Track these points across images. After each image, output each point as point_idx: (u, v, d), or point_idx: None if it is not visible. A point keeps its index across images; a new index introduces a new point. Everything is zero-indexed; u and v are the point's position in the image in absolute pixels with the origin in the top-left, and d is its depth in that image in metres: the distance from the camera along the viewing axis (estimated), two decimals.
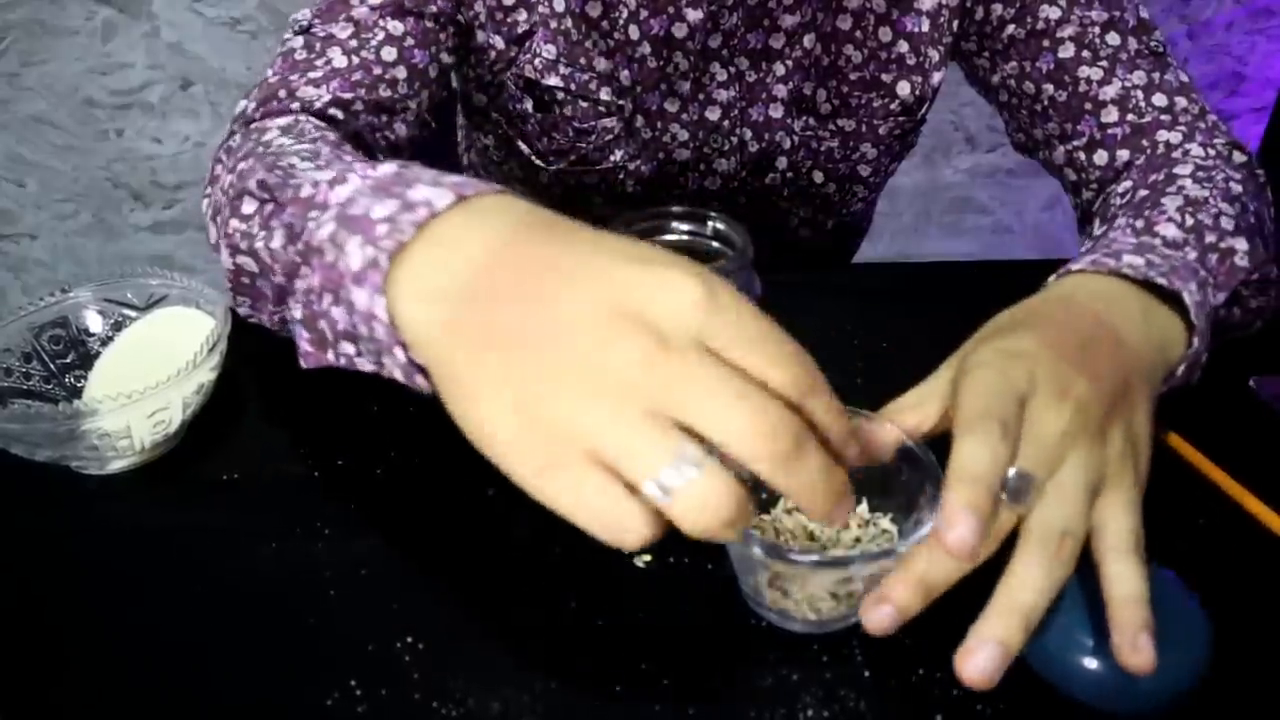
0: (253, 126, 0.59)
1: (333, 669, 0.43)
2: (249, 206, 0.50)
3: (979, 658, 0.37)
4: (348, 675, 0.42)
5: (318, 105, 0.61)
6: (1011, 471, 0.39)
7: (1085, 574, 0.42)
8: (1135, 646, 0.37)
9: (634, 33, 0.69)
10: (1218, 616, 0.41)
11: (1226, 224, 0.56)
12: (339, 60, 0.63)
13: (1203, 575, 0.43)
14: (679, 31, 0.69)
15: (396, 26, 0.64)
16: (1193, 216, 0.56)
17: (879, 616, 0.38)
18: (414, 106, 0.66)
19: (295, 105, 0.61)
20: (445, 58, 0.68)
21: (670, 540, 0.49)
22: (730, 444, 0.31)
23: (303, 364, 0.45)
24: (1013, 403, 0.40)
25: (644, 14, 0.68)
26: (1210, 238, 0.55)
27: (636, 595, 0.46)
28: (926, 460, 0.44)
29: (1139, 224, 0.57)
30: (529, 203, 0.37)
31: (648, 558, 0.48)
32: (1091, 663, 0.39)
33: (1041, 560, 0.38)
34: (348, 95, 0.62)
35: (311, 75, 0.62)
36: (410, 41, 0.65)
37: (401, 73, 0.64)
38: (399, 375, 0.40)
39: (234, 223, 0.51)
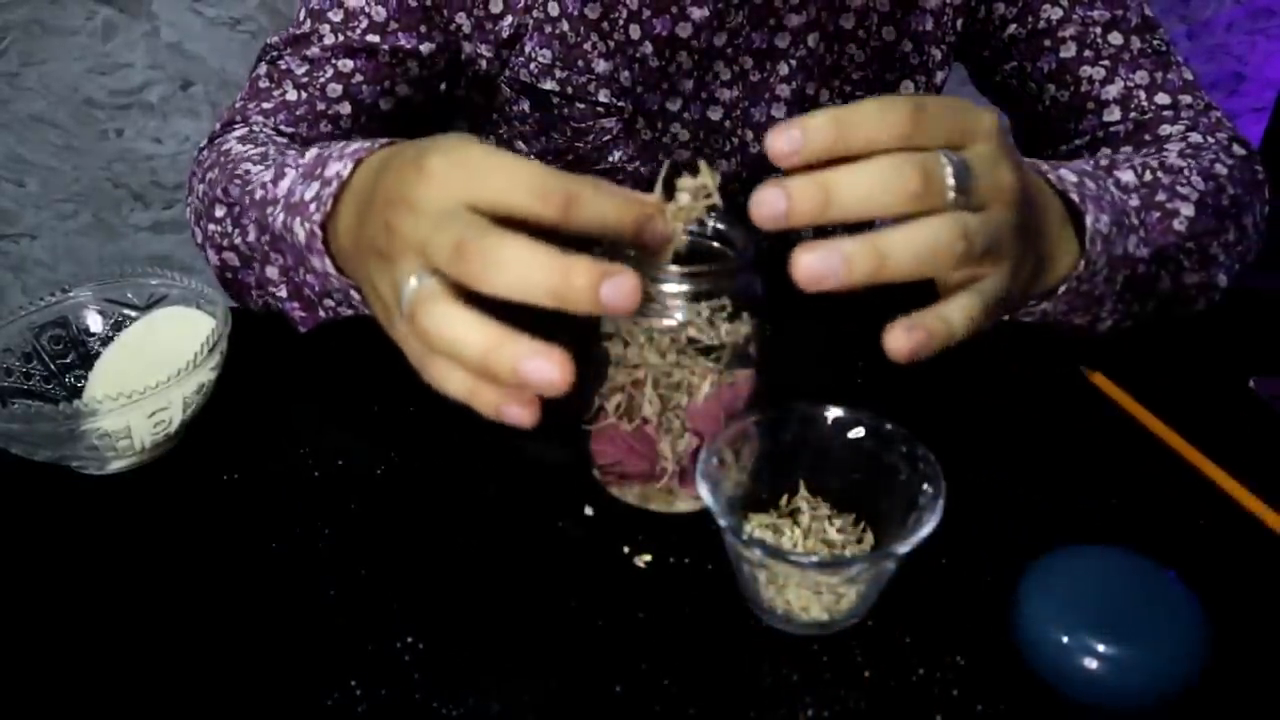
0: (216, 141, 0.68)
1: (333, 669, 0.43)
2: (220, 211, 0.61)
3: (817, 261, 0.36)
4: (348, 675, 0.42)
5: (268, 128, 0.69)
6: (954, 157, 0.37)
7: (1085, 574, 0.42)
8: (908, 332, 0.38)
9: (635, 32, 0.68)
10: (1218, 616, 0.41)
11: (1185, 191, 0.57)
12: (290, 94, 0.70)
13: (1203, 575, 0.43)
14: (683, 31, 0.68)
15: (346, 64, 0.69)
16: (1153, 174, 0.57)
17: (767, 194, 0.37)
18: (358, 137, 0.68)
19: (255, 120, 0.69)
20: (403, 89, 0.71)
21: (670, 540, 0.49)
22: (517, 212, 0.37)
23: (301, 329, 0.57)
24: (967, 116, 0.39)
25: (646, 13, 0.68)
26: (1161, 196, 0.56)
27: (636, 595, 0.46)
28: (926, 460, 0.44)
29: (1103, 162, 0.57)
30: (401, 143, 0.45)
31: (648, 557, 0.48)
32: (1092, 663, 0.39)
33: (937, 230, 0.36)
34: (289, 130, 0.69)
35: (265, 105, 0.70)
36: (359, 79, 0.69)
37: (346, 109, 0.70)
38: (367, 311, 0.49)
39: (211, 226, 0.61)
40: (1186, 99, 0.68)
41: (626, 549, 0.49)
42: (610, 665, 0.43)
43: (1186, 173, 0.59)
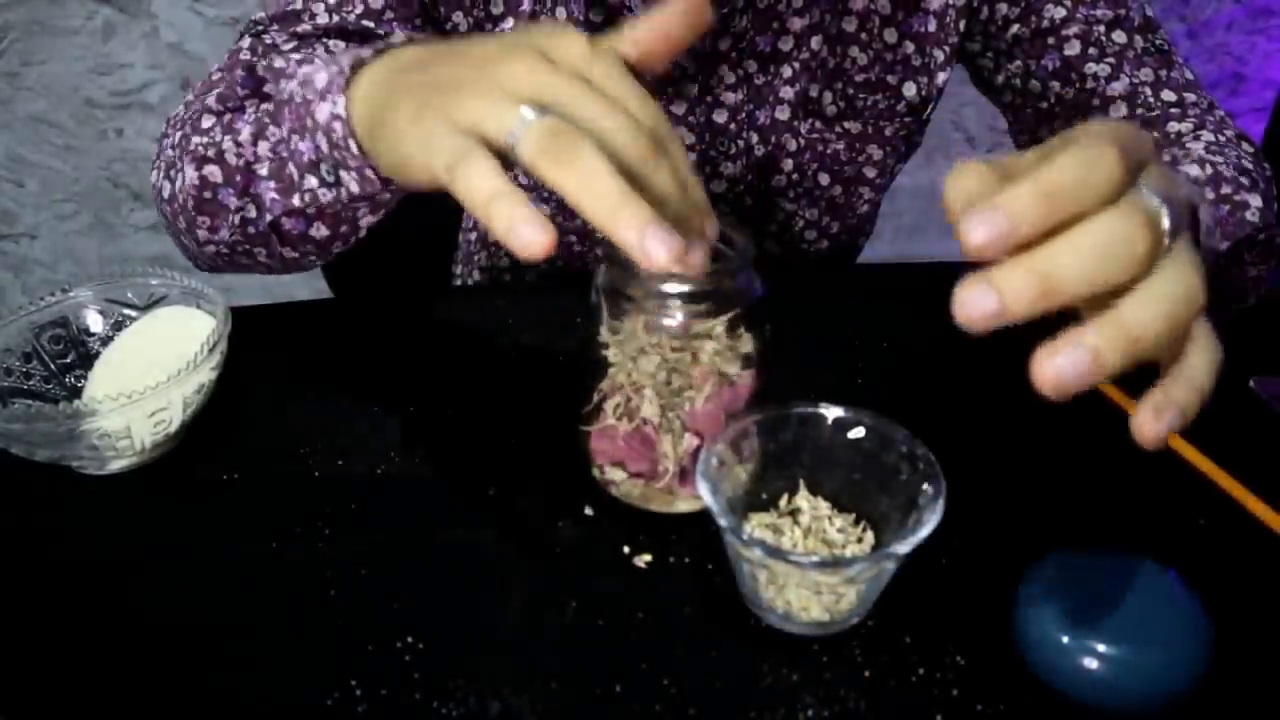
0: (191, 103, 0.63)
1: (333, 669, 0.43)
2: (208, 121, 0.56)
3: (1052, 368, 0.30)
4: (348, 675, 0.42)
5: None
6: (1155, 196, 0.31)
7: (1085, 574, 0.42)
8: (1158, 414, 0.33)
9: None
10: (1218, 616, 0.41)
11: (1243, 180, 0.56)
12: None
13: (1203, 575, 0.43)
14: None
15: (338, 45, 0.65)
16: (1211, 167, 0.56)
17: (985, 219, 0.29)
18: None
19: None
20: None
21: (670, 540, 0.49)
22: (600, 132, 0.35)
23: (269, 214, 0.52)
24: (1140, 143, 0.32)
25: None
26: (1226, 189, 0.55)
27: (636, 595, 0.46)
28: (926, 459, 0.44)
29: (1165, 156, 0.56)
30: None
31: (648, 557, 0.48)
32: (1092, 663, 0.39)
33: (1174, 291, 0.31)
34: None
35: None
36: (390, 16, 0.66)
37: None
38: (354, 183, 0.46)
39: (195, 139, 0.56)
40: (1191, 96, 0.68)
41: (626, 549, 0.49)
42: (610, 665, 0.43)
43: (1225, 166, 0.58)
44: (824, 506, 0.48)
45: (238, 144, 0.53)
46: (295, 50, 0.61)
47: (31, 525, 0.52)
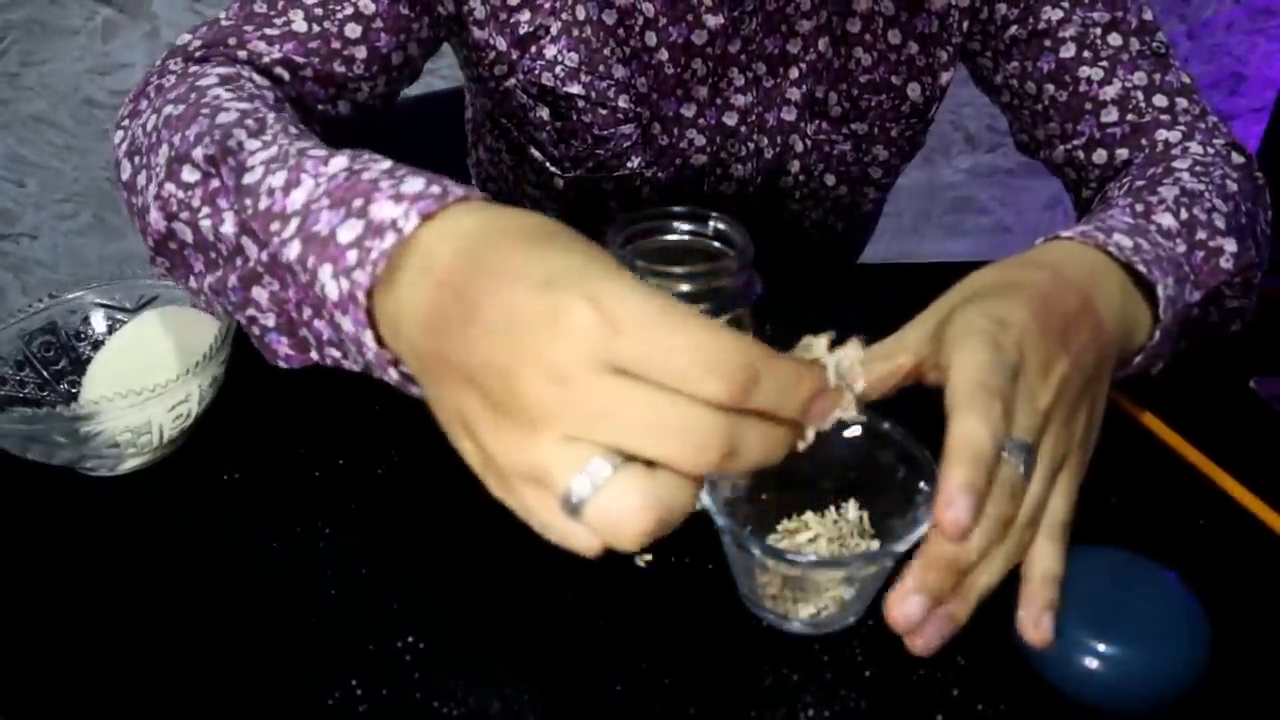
0: (191, 69, 0.56)
1: (334, 668, 0.43)
2: (190, 175, 0.47)
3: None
4: (349, 675, 0.42)
5: (265, 60, 0.59)
6: (1014, 442, 0.39)
7: (1084, 573, 0.42)
8: (1038, 624, 0.40)
9: (651, 39, 0.68)
10: (1218, 616, 0.41)
11: (1219, 222, 0.56)
12: (299, 24, 0.60)
13: (1203, 575, 0.43)
14: (698, 38, 0.68)
15: (368, 6, 0.62)
16: (1188, 210, 0.56)
17: (907, 607, 0.38)
18: (365, 89, 0.65)
19: (242, 55, 0.59)
20: (413, 49, 0.67)
21: (670, 540, 0.49)
22: (663, 460, 0.30)
23: (282, 365, 0.45)
24: (1009, 379, 0.40)
25: (662, 21, 0.68)
26: (1201, 234, 0.55)
27: (636, 595, 0.46)
28: (923, 459, 0.44)
29: (1138, 208, 0.57)
30: (483, 211, 0.36)
31: (648, 557, 0.48)
32: (1092, 663, 0.39)
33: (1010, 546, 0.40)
34: (299, 59, 0.60)
35: (268, 31, 0.60)
36: (379, 24, 0.63)
37: (361, 53, 0.63)
38: (391, 382, 0.41)
39: (170, 187, 0.47)
40: (1183, 103, 0.68)
41: None
42: (610, 665, 0.43)
43: (1209, 197, 0.58)
44: (825, 507, 0.48)
45: (218, 231, 0.44)
46: (241, 90, 0.52)
47: (32, 526, 0.52)
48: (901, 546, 0.40)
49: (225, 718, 0.41)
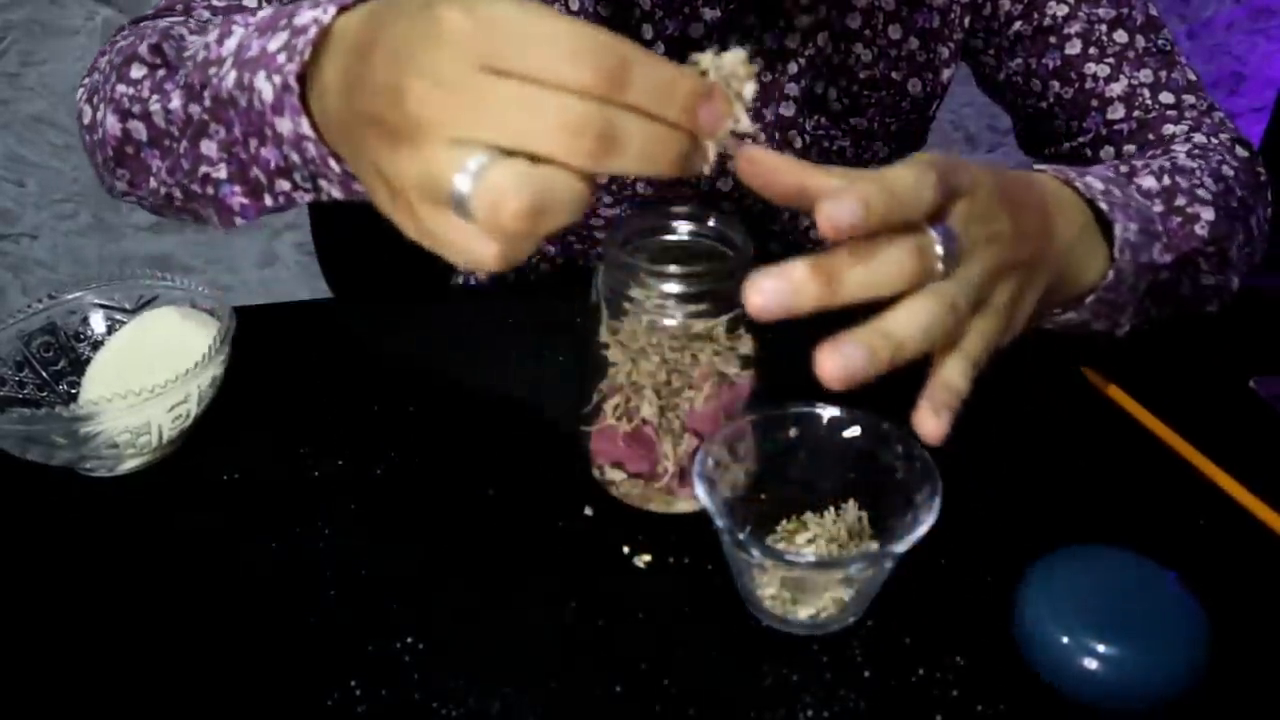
0: (143, 24, 0.59)
1: (333, 669, 0.43)
2: (137, 71, 0.51)
3: (839, 357, 0.37)
4: (348, 675, 0.42)
5: (207, 16, 0.61)
6: (941, 228, 0.38)
7: (1085, 574, 0.42)
8: (938, 414, 0.39)
9: (648, 33, 0.68)
10: (1218, 616, 0.41)
11: (1202, 194, 0.57)
12: (249, 1, 0.62)
13: (1203, 575, 0.43)
14: (695, 32, 0.68)
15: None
16: (1171, 178, 0.57)
17: (840, 205, 0.35)
18: None
19: (190, 16, 0.61)
20: None
21: (670, 540, 0.49)
22: (539, 149, 0.31)
23: (240, 220, 0.47)
24: (949, 172, 0.39)
25: (659, 14, 0.68)
26: (1180, 200, 0.56)
27: (636, 595, 0.46)
28: (923, 459, 0.44)
29: (1123, 168, 0.58)
30: None
31: (648, 558, 0.48)
32: (1091, 663, 0.39)
33: (931, 308, 0.38)
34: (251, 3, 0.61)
35: (215, 2, 0.61)
36: None
37: None
38: (336, 191, 0.42)
39: (121, 87, 0.51)
40: (1190, 99, 0.68)
41: (626, 549, 0.49)
42: (610, 665, 0.43)
43: (1199, 174, 0.59)
44: (824, 507, 0.48)
45: (167, 112, 0.48)
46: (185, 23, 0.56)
47: (32, 526, 0.52)
48: (901, 547, 0.40)
49: (225, 718, 0.41)
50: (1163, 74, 0.68)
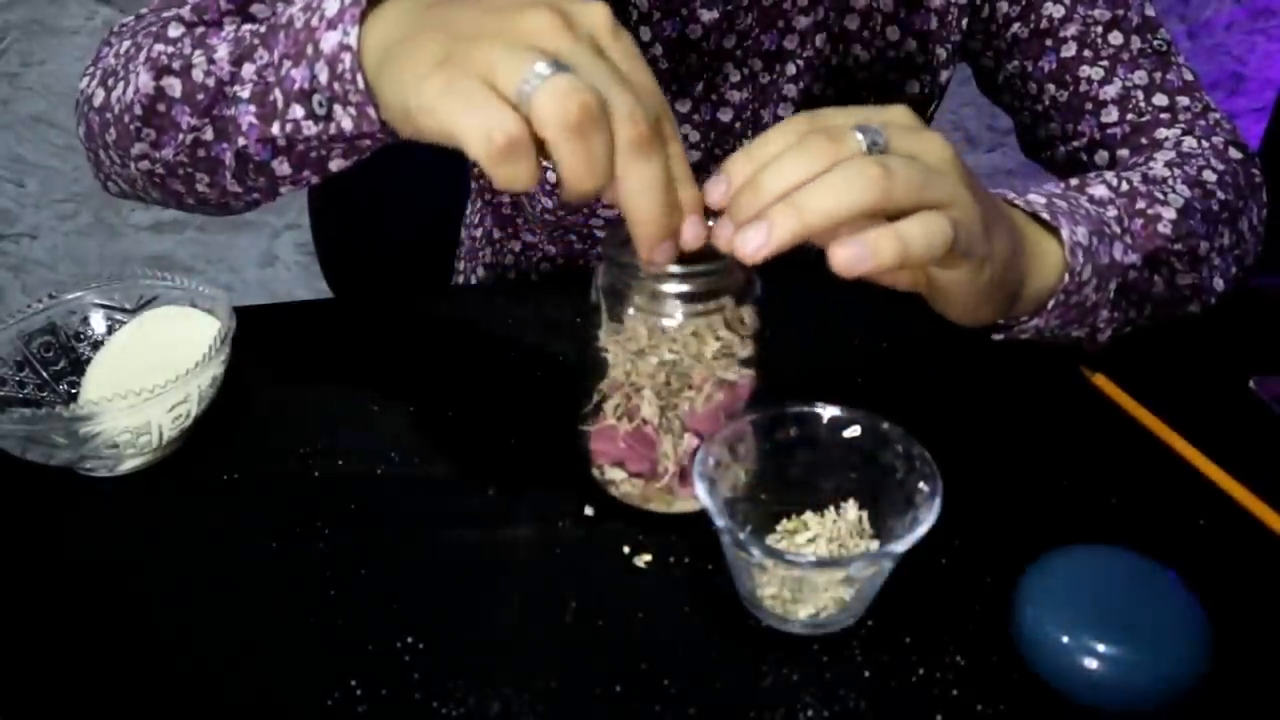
0: (156, 16, 0.60)
1: (333, 669, 0.43)
2: (175, 30, 0.54)
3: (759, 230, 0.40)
4: (348, 675, 0.42)
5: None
6: (867, 129, 0.41)
7: (1085, 574, 0.42)
8: (848, 246, 0.40)
9: (645, 34, 0.68)
10: (1218, 616, 0.41)
11: (1168, 196, 0.58)
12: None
13: (1203, 575, 0.43)
14: (693, 33, 0.68)
15: None
16: (1128, 183, 0.58)
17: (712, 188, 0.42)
18: None
19: (208, 17, 0.62)
20: None
21: (670, 540, 0.49)
22: (607, 103, 0.36)
23: (241, 141, 0.49)
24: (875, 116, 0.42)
25: (656, 15, 0.67)
26: (1141, 204, 0.57)
27: (636, 595, 0.46)
28: (923, 459, 0.44)
29: (1073, 182, 0.59)
30: None
31: (648, 557, 0.48)
32: (1092, 663, 0.39)
33: (853, 168, 0.40)
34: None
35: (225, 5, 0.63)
36: None
37: None
38: (348, 120, 0.44)
39: (159, 46, 0.53)
40: (1184, 100, 0.68)
41: (626, 549, 0.49)
42: (610, 665, 0.43)
43: (1170, 182, 0.60)
44: (825, 506, 0.48)
45: (211, 60, 0.50)
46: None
47: (32, 526, 0.52)
48: (900, 547, 0.40)
49: (225, 717, 0.41)
50: (1157, 75, 0.68)
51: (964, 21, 0.72)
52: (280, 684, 0.42)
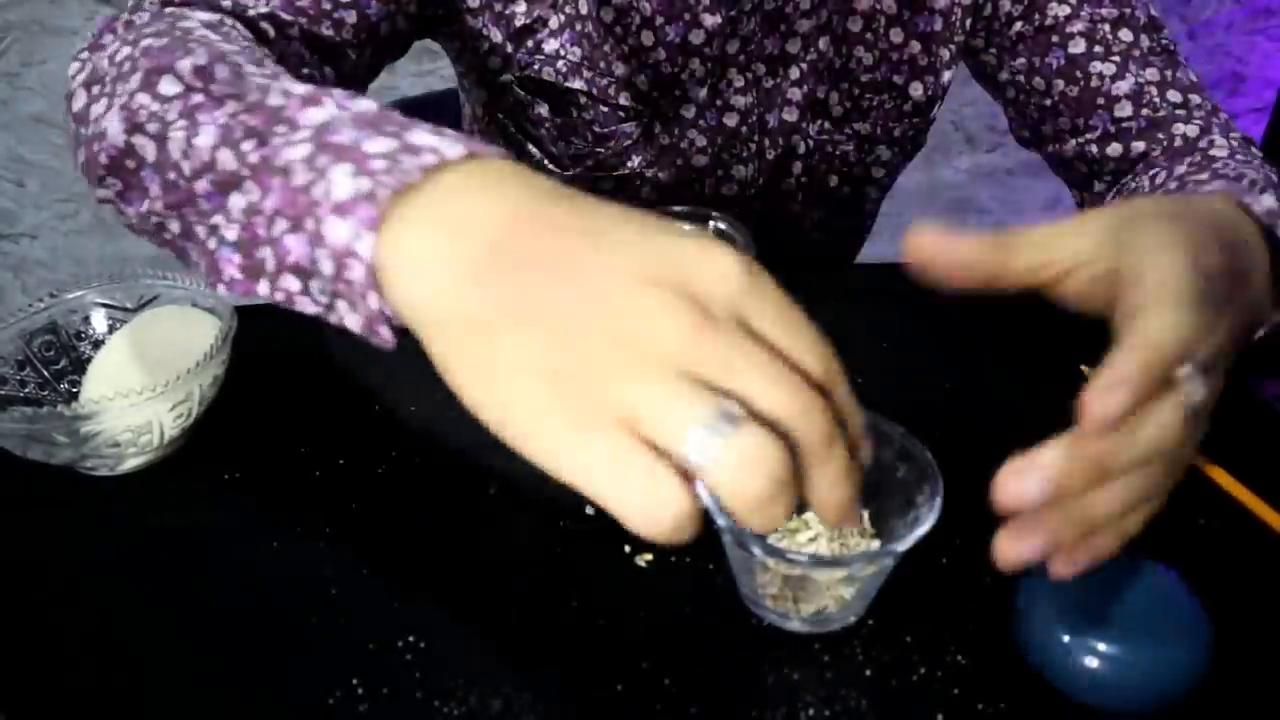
0: (169, 10, 0.52)
1: (334, 668, 0.43)
2: (170, 87, 0.43)
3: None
4: (349, 675, 0.42)
5: (252, 12, 0.54)
6: (1197, 363, 0.35)
7: (1085, 574, 0.42)
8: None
9: (648, 39, 0.68)
10: (1218, 616, 0.41)
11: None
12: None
13: (1203, 575, 0.43)
14: (696, 38, 0.68)
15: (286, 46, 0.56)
16: (1274, 194, 0.52)
17: (1025, 484, 0.35)
18: (351, 56, 0.62)
19: (226, 3, 0.54)
20: (401, 22, 0.64)
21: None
22: (772, 417, 0.29)
23: (222, 289, 0.39)
24: (1209, 296, 0.36)
25: (659, 20, 0.67)
26: None
27: (636, 595, 0.46)
28: (923, 459, 0.44)
29: (1246, 198, 0.51)
30: (537, 182, 0.33)
31: (649, 557, 0.48)
32: (1092, 662, 0.39)
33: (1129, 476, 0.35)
34: (287, 16, 0.56)
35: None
36: None
37: (351, 17, 0.59)
38: (352, 323, 0.37)
39: (143, 98, 0.43)
40: (1196, 99, 0.68)
41: (627, 549, 0.49)
42: (610, 665, 0.43)
43: (1263, 184, 0.56)
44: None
45: (190, 144, 0.40)
46: (228, 36, 0.49)
47: (32, 526, 0.52)
48: (901, 546, 0.40)
49: (225, 717, 0.41)
50: (1169, 73, 0.68)
51: (968, 22, 0.72)
52: (280, 684, 0.42)
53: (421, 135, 0.34)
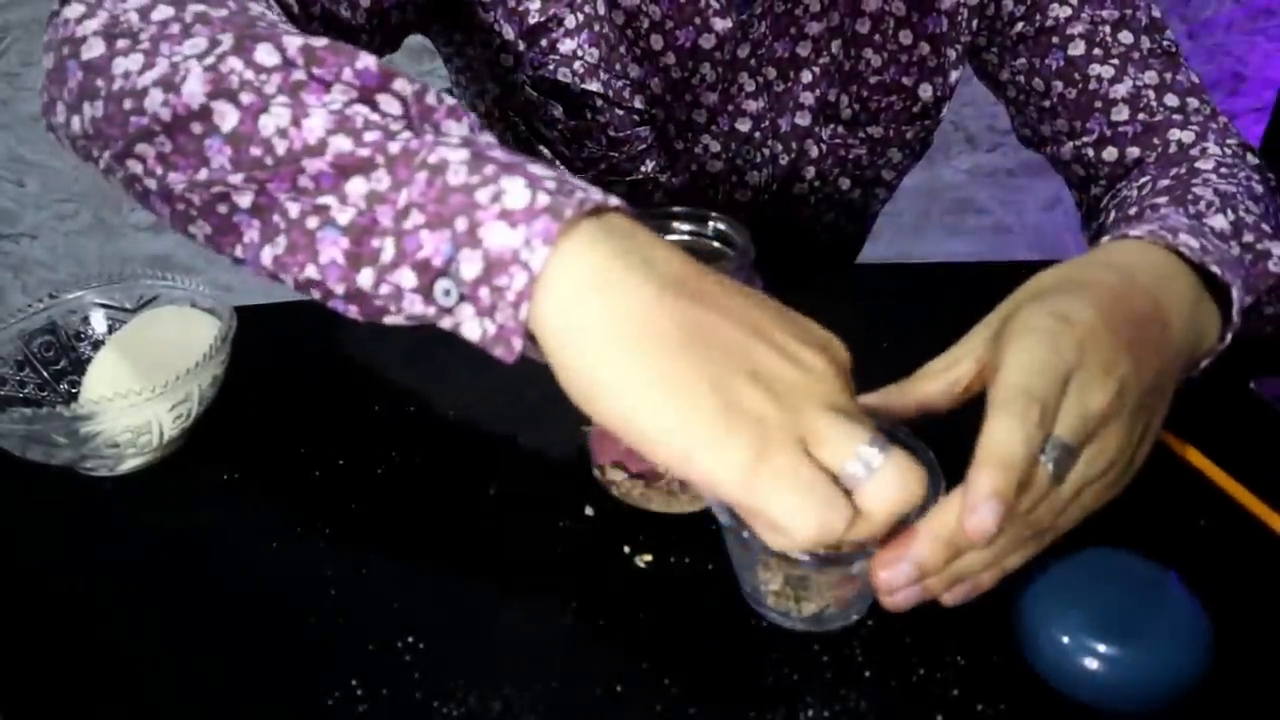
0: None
1: (334, 668, 0.43)
2: (268, 57, 0.39)
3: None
4: (349, 675, 0.42)
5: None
6: (1054, 442, 0.38)
7: (1085, 574, 0.42)
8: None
9: (658, 43, 0.68)
10: (1218, 616, 0.41)
11: (1264, 226, 0.55)
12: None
13: (1203, 575, 0.43)
14: (706, 42, 0.68)
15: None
16: (1233, 212, 0.55)
17: (895, 572, 0.38)
18: (363, 40, 0.61)
19: None
20: (410, 12, 0.63)
21: (670, 540, 0.49)
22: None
23: (302, 270, 0.37)
24: (1057, 382, 0.39)
25: (669, 24, 0.67)
26: (1248, 237, 0.54)
27: (636, 595, 0.46)
28: (923, 459, 0.44)
29: (1190, 209, 0.55)
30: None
31: (648, 557, 0.48)
32: (1092, 663, 0.39)
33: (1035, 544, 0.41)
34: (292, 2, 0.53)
35: None
36: None
37: (366, 1, 0.58)
38: (473, 329, 0.35)
39: (236, 63, 0.39)
40: (1194, 103, 0.68)
41: (627, 549, 0.49)
42: (610, 665, 0.43)
43: (1240, 198, 0.57)
44: None
45: (295, 124, 0.37)
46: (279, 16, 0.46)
47: (32, 526, 0.52)
48: None
49: (225, 717, 0.41)
50: (1168, 76, 0.68)
51: (973, 22, 0.72)
52: (280, 684, 0.42)
53: (567, 180, 0.36)
